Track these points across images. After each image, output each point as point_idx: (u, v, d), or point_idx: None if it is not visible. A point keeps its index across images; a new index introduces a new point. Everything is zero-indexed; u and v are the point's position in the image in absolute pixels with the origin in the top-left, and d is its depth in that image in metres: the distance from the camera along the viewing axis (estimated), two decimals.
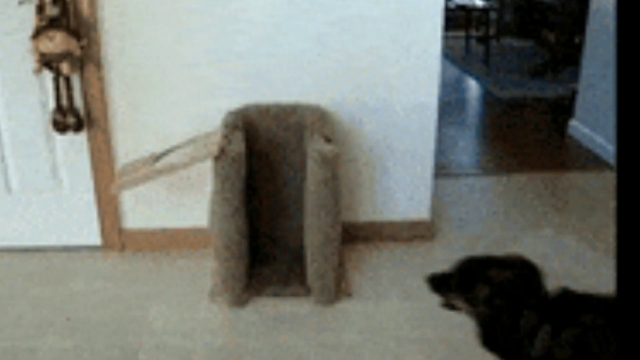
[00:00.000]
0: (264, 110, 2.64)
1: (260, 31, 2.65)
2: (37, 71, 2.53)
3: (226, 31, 2.65)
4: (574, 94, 4.59)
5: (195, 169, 2.81)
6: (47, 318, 2.50)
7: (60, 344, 2.35)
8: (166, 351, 2.31)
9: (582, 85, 4.38)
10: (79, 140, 2.79)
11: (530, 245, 2.98)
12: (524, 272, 1.75)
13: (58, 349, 2.33)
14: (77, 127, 2.68)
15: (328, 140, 2.43)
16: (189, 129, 2.76)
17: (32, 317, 2.50)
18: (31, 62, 2.52)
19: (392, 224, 3.01)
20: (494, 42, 7.63)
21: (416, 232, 3.02)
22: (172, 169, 2.44)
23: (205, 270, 2.75)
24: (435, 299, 2.56)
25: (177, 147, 2.63)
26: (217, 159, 2.36)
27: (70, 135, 2.73)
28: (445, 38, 2.68)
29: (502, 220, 3.27)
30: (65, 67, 2.53)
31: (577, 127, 4.43)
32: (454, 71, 6.56)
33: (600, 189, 3.58)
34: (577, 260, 2.79)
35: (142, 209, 2.92)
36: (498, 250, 2.93)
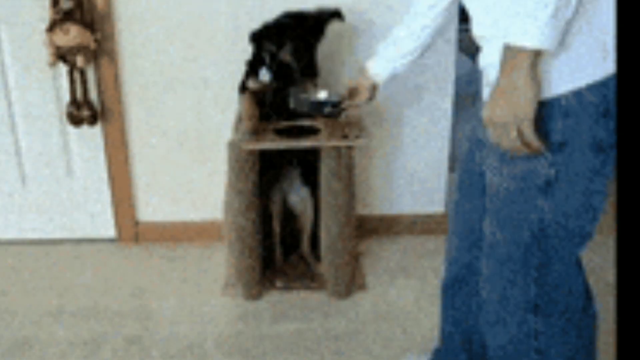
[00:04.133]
0: None
1: None
2: (52, 64, 2.54)
3: (241, 26, 2.64)
4: None
5: (210, 161, 2.81)
6: (60, 308, 2.52)
7: (72, 334, 2.37)
8: (179, 342, 2.32)
9: None
10: (93, 133, 2.80)
11: None
12: None
13: (70, 338, 2.35)
14: (92, 120, 2.69)
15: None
16: (203, 121, 2.77)
17: (45, 308, 2.52)
18: (46, 55, 2.53)
19: (407, 217, 3.00)
20: None
21: (431, 225, 3.01)
22: None
23: (219, 263, 2.75)
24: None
25: None
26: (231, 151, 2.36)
27: (84, 128, 2.74)
28: (460, 31, 2.66)
29: None
30: (79, 60, 2.54)
31: None
32: (469, 64, 6.51)
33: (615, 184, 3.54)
34: (593, 252, 2.76)
35: (156, 202, 2.93)
36: None
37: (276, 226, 2.66)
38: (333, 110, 2.23)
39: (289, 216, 2.69)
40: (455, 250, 1.82)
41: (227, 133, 2.59)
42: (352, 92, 2.15)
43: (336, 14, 2.44)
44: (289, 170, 2.61)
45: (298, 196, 2.64)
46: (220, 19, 2.64)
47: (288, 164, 2.60)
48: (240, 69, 2.57)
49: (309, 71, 2.36)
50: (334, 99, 2.22)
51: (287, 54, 2.37)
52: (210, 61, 2.70)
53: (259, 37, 2.40)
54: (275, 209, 2.63)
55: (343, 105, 2.21)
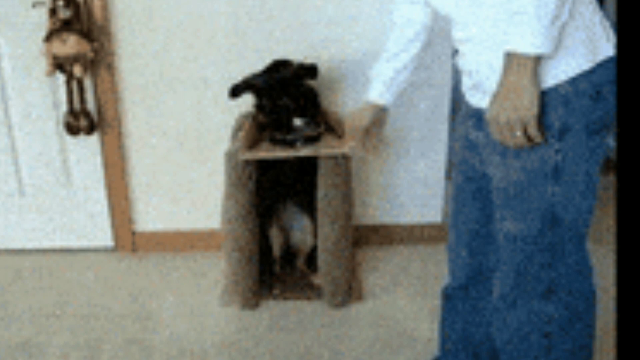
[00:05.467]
0: None
1: (272, 31, 2.66)
2: (50, 73, 2.54)
3: (241, 26, 2.65)
4: None
5: (208, 167, 2.81)
6: (60, 315, 2.52)
7: (72, 341, 2.37)
8: (178, 351, 2.31)
9: None
10: (91, 142, 2.80)
11: None
12: None
13: (69, 345, 2.35)
14: (90, 130, 2.69)
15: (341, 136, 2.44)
16: (201, 130, 2.77)
17: (44, 314, 2.53)
18: (44, 64, 2.54)
19: (404, 226, 3.00)
20: None
21: (428, 235, 3.01)
22: None
23: (217, 272, 2.75)
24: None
25: None
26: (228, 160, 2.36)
27: (82, 138, 2.74)
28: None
29: None
30: (77, 70, 2.55)
31: None
32: None
33: (613, 192, 3.55)
34: (593, 254, 2.75)
35: (154, 211, 2.92)
36: None
37: (276, 252, 2.66)
38: (306, 143, 2.38)
39: (288, 239, 2.71)
40: (459, 257, 1.83)
41: (225, 136, 2.60)
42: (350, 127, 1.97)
43: (310, 72, 2.48)
44: (288, 206, 2.64)
45: (299, 229, 2.66)
46: (220, 19, 2.64)
47: (287, 198, 2.62)
48: (240, 69, 2.59)
49: (283, 124, 2.42)
50: (307, 131, 2.39)
51: (265, 107, 2.43)
52: (210, 61, 2.70)
53: (238, 92, 2.45)
54: (276, 242, 2.65)
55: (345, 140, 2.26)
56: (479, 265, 1.78)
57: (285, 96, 2.41)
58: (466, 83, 1.60)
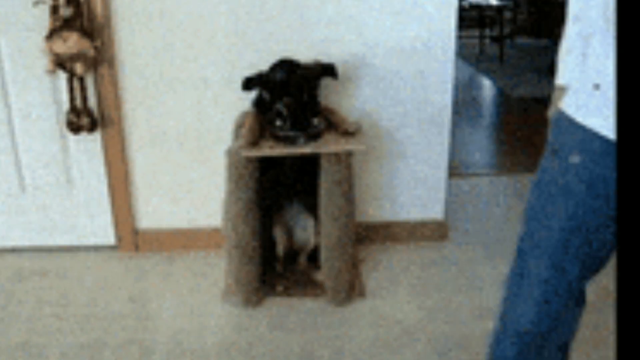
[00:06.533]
0: None
1: (273, 31, 2.66)
2: (51, 72, 2.54)
3: (241, 26, 2.65)
4: None
5: (210, 166, 2.81)
6: (60, 315, 2.52)
7: (72, 340, 2.37)
8: (180, 350, 2.31)
9: None
10: (92, 140, 2.80)
11: None
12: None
13: (70, 344, 2.35)
14: (91, 128, 2.69)
15: (348, 134, 2.43)
16: (201, 129, 2.77)
17: (45, 314, 2.52)
18: (45, 63, 2.53)
19: (405, 224, 3.00)
20: (508, 41, 7.60)
21: (430, 232, 3.01)
22: None
23: (219, 271, 2.75)
24: (449, 300, 2.55)
25: None
26: (229, 158, 2.36)
27: (84, 136, 2.74)
28: (459, 37, 2.68)
29: (517, 220, 3.24)
30: (78, 68, 2.54)
31: None
32: (468, 70, 6.53)
33: None
34: None
35: (156, 209, 2.92)
36: (512, 251, 2.92)
37: (280, 252, 2.67)
38: (308, 139, 2.38)
39: (291, 238, 2.72)
40: (533, 305, 1.62)
41: (227, 135, 2.60)
42: None
43: (329, 71, 2.51)
44: (291, 204, 2.64)
45: (302, 227, 2.66)
46: (220, 19, 2.64)
47: (289, 196, 2.62)
48: (240, 69, 2.58)
49: (301, 122, 2.40)
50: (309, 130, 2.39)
51: (282, 107, 2.41)
52: (210, 61, 2.70)
53: (252, 85, 2.46)
54: (280, 241, 2.65)
55: None
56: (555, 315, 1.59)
57: (302, 93, 2.41)
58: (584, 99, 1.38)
